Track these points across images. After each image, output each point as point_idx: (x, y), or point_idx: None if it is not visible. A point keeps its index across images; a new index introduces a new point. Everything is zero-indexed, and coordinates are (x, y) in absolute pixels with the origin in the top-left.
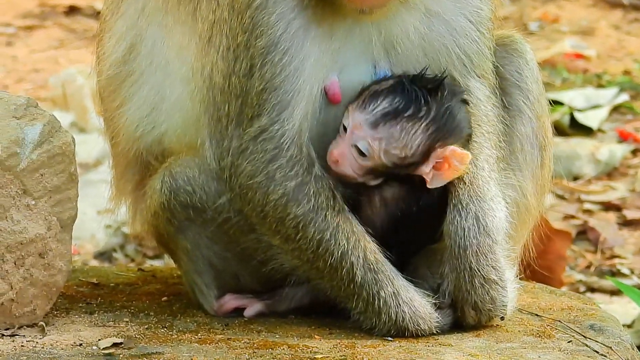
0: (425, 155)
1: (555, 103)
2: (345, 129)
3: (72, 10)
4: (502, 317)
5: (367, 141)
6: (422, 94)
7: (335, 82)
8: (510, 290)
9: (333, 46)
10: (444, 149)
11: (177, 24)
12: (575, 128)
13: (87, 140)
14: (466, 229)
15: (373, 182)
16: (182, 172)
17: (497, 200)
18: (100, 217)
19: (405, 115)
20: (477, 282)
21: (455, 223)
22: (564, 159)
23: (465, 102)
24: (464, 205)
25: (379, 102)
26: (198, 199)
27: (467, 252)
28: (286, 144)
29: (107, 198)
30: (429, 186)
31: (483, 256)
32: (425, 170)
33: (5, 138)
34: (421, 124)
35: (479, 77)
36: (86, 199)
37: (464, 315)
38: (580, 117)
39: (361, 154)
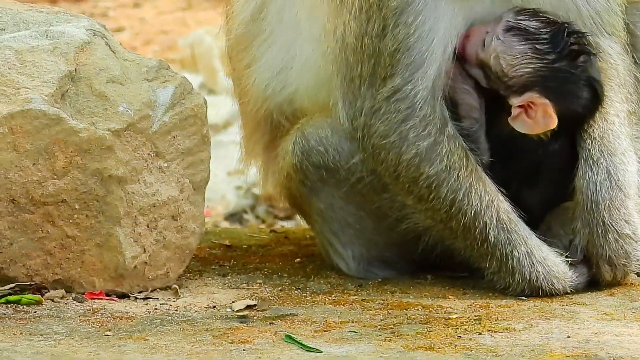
0: (522, 89)
1: None
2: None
3: None
4: (639, 272)
5: (493, 37)
6: (563, 46)
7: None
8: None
9: (465, 4)
10: (538, 97)
11: None
12: None
13: (217, 102)
14: (598, 184)
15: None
16: (314, 133)
17: (628, 154)
18: (230, 178)
19: (535, 44)
20: (610, 236)
21: (587, 178)
22: None
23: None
24: (595, 160)
25: (530, 19)
26: (331, 159)
27: (600, 206)
28: (419, 103)
29: (237, 160)
30: (510, 122)
31: (616, 210)
32: (515, 102)
33: (137, 100)
34: (539, 61)
35: (610, 35)
36: (216, 161)
37: (599, 270)
38: None
39: (483, 43)
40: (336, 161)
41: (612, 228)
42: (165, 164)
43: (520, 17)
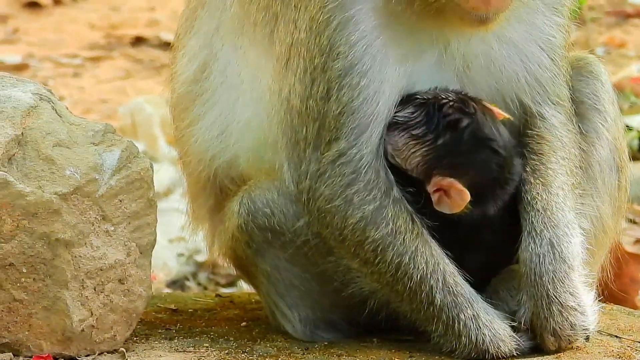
0: (427, 176)
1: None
2: None
3: (138, 41)
4: (587, 337)
5: (385, 138)
6: (437, 122)
7: None
8: (590, 313)
9: (409, 68)
10: (442, 179)
11: (253, 45)
12: None
13: (158, 169)
14: (541, 256)
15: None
16: (261, 195)
17: (572, 226)
18: (172, 245)
19: (411, 131)
20: (555, 308)
21: (530, 250)
22: (633, 182)
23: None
24: (538, 232)
25: (403, 109)
26: (277, 222)
27: (544, 279)
28: (364, 168)
29: (178, 226)
30: (436, 208)
31: (560, 283)
32: (430, 190)
33: (83, 164)
34: (422, 146)
35: (554, 104)
36: (158, 228)
37: (544, 341)
38: None
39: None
40: (282, 223)
41: (557, 300)
42: (112, 228)
43: (396, 110)
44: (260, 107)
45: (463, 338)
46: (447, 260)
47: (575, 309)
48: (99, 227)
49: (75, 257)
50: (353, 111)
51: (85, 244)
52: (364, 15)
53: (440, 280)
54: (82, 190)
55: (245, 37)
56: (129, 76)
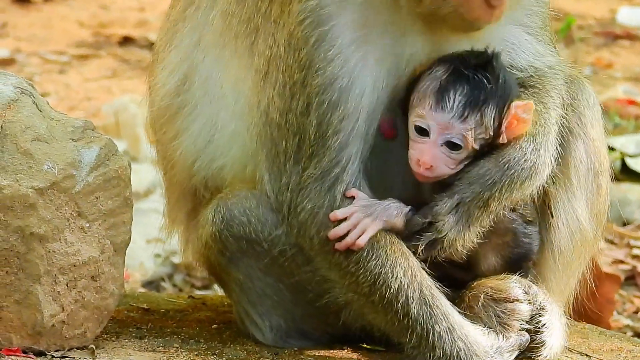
0: (500, 125)
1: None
2: (422, 133)
3: (126, 41)
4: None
5: (461, 134)
6: (482, 74)
7: (390, 118)
8: (557, 327)
9: (387, 82)
10: (510, 110)
11: (234, 57)
12: (626, 174)
13: (139, 169)
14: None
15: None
16: (237, 203)
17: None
18: (149, 246)
19: (481, 99)
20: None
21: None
22: (614, 204)
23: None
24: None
25: (453, 97)
26: (253, 230)
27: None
28: (345, 183)
29: (157, 227)
30: (511, 136)
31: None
32: (504, 139)
33: (62, 160)
34: (493, 102)
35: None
36: (136, 228)
37: None
38: (632, 163)
39: (454, 148)
40: (258, 232)
41: None
42: (87, 224)
43: (448, 103)
44: (242, 120)
45: (437, 350)
46: (424, 273)
47: None
48: (74, 223)
49: (49, 252)
50: (334, 127)
51: (60, 239)
52: (341, 29)
53: (417, 292)
54: (59, 186)
55: (226, 50)
56: (116, 75)
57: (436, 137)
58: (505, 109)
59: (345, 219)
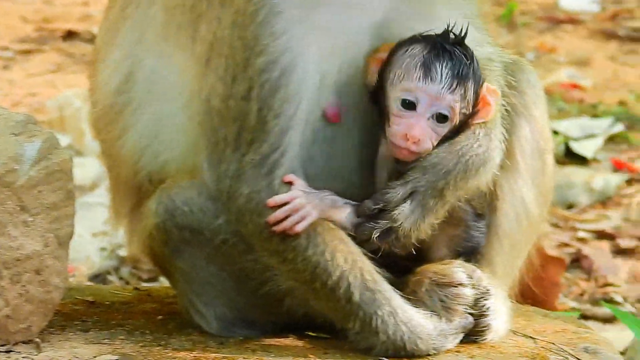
0: (476, 104)
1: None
2: (409, 107)
3: (69, 35)
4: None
5: (449, 106)
6: (460, 50)
7: (335, 101)
8: (502, 310)
9: (333, 67)
10: (482, 89)
11: (178, 49)
12: (570, 157)
13: (84, 163)
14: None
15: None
16: (180, 193)
17: None
18: (95, 239)
19: (464, 73)
20: None
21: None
22: (558, 187)
23: None
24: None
25: (441, 69)
26: (196, 220)
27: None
28: (285, 169)
29: (102, 221)
30: (483, 118)
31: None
32: (477, 119)
33: (3, 154)
34: (472, 77)
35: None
36: (82, 222)
37: None
38: (576, 147)
39: (441, 121)
40: (201, 221)
41: None
42: (31, 218)
43: (437, 75)
44: (185, 112)
45: (380, 335)
46: (364, 258)
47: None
48: (17, 217)
49: None
50: (274, 110)
51: (3, 234)
52: (289, 4)
53: (358, 277)
54: (1, 180)
55: (169, 43)
56: (60, 69)
57: (425, 109)
58: (479, 87)
59: (284, 204)
